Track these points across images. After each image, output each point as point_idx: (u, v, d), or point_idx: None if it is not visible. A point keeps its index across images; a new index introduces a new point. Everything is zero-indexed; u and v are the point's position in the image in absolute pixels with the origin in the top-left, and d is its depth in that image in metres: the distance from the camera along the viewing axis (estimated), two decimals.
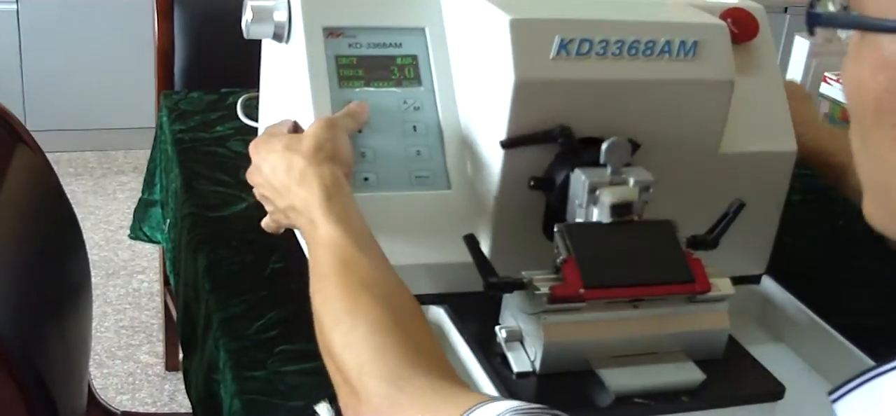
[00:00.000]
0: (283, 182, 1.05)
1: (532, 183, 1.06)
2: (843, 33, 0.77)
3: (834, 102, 1.83)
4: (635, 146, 1.06)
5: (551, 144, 1.05)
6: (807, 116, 1.32)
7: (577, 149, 1.05)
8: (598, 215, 1.01)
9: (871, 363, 1.07)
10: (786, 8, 4.28)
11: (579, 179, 1.03)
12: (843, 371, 1.10)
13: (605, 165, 1.02)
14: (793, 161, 1.20)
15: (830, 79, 1.83)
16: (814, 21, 0.75)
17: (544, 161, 1.07)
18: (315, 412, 1.04)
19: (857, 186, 1.05)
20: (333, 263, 0.94)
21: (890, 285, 1.33)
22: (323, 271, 0.95)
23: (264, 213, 1.38)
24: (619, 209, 1.01)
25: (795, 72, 1.92)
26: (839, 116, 1.82)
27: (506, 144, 1.05)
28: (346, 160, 1.05)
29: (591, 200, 1.01)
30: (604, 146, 1.02)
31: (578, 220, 1.02)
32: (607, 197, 1.00)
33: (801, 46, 1.93)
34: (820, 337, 1.15)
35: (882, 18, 0.68)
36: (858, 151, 0.76)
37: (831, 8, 0.79)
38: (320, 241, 0.97)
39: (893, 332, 1.26)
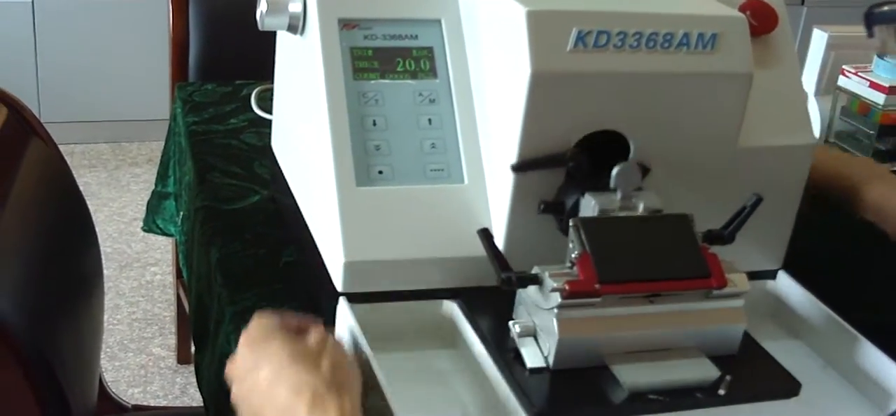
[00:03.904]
0: (285, 401, 0.88)
1: (542, 207, 1.06)
2: None
3: (852, 95, 1.81)
4: (645, 171, 1.06)
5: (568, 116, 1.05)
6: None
7: (588, 173, 1.04)
8: None
9: (888, 359, 1.07)
10: (803, 0, 4.27)
11: (589, 204, 1.03)
12: (860, 368, 1.10)
13: (615, 190, 1.02)
14: (811, 155, 1.18)
15: (848, 72, 1.81)
16: (874, 20, 0.75)
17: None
18: None
19: (872, 203, 1.05)
20: None
21: None
22: None
23: (279, 205, 1.38)
24: None
25: (813, 65, 1.91)
26: (857, 109, 1.81)
27: (516, 168, 1.04)
28: (357, 390, 0.91)
29: None
30: (614, 171, 1.02)
31: None
32: None
33: (818, 39, 1.92)
34: (836, 334, 1.13)
35: None
36: None
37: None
38: None
39: None
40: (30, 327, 1.21)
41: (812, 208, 1.26)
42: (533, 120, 1.03)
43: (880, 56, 1.71)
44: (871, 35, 0.79)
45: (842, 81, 1.83)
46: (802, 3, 4.28)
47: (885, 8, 0.80)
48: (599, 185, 1.03)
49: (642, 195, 1.03)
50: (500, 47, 1.07)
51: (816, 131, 1.87)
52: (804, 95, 1.21)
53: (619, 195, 1.03)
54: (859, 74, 1.79)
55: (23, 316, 1.20)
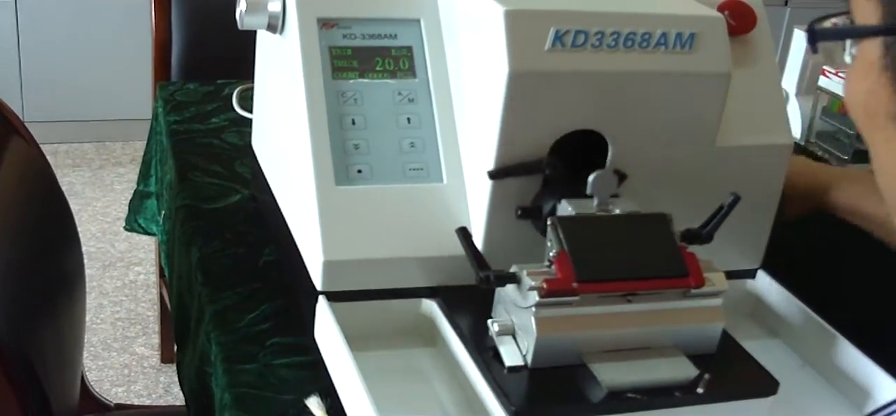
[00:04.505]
0: None
1: (520, 213, 1.06)
2: (853, 49, 0.78)
3: (832, 95, 1.82)
4: (622, 177, 1.06)
5: (545, 134, 1.05)
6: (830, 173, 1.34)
7: (564, 179, 1.05)
8: None
9: (866, 358, 1.07)
10: (786, 1, 4.28)
11: (566, 211, 1.03)
12: (837, 367, 1.11)
13: (591, 196, 1.03)
14: (789, 154, 1.19)
15: (828, 72, 1.82)
16: (816, 37, 0.77)
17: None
18: (306, 407, 1.04)
19: (844, 205, 1.06)
20: None
21: (885, 280, 1.33)
22: None
23: (259, 205, 1.38)
24: None
25: (794, 65, 1.92)
26: (838, 109, 1.82)
27: (493, 175, 1.05)
28: None
29: None
30: (590, 178, 1.03)
31: None
32: None
33: (800, 39, 1.93)
34: (815, 333, 1.14)
35: (863, 25, 0.71)
36: (874, 167, 0.78)
37: (835, 22, 0.81)
38: None
39: (888, 327, 1.25)
40: (10, 327, 1.20)
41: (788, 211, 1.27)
42: (511, 119, 1.03)
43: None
44: (815, 51, 0.80)
45: (822, 82, 1.84)
46: (785, 3, 4.30)
47: (827, 24, 0.81)
48: (576, 191, 1.04)
49: (618, 202, 1.04)
50: (479, 47, 1.07)
51: (797, 131, 1.88)
52: (782, 95, 1.21)
53: (595, 202, 1.03)
54: (839, 74, 1.79)
55: (3, 316, 1.20)
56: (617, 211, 1.03)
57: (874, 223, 1.26)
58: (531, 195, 1.07)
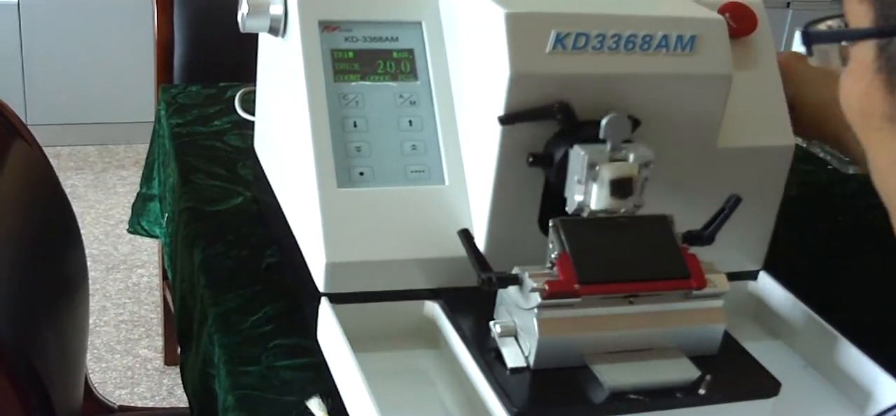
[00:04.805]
0: None
1: (531, 159, 1.05)
2: (834, 59, 0.79)
3: None
4: (635, 123, 1.05)
5: (549, 132, 1.04)
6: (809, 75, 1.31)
7: (577, 125, 1.03)
8: (597, 190, 1.00)
9: (868, 359, 1.07)
10: (788, 3, 4.28)
11: (578, 155, 1.01)
12: (839, 368, 1.11)
13: (604, 141, 1.01)
14: (791, 156, 1.19)
15: None
16: (811, 40, 0.78)
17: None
18: (307, 408, 1.04)
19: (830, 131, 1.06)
20: None
21: (887, 281, 1.33)
22: None
23: (262, 207, 1.39)
24: (619, 185, 1.00)
25: None
26: None
27: (504, 120, 1.03)
28: None
29: (591, 177, 1.00)
30: (603, 122, 1.00)
31: (578, 197, 1.01)
32: (607, 173, 0.99)
33: (800, 41, 1.93)
34: (817, 334, 1.14)
35: (858, 28, 0.72)
36: (870, 167, 0.79)
37: (830, 25, 0.82)
38: None
39: (890, 328, 1.26)
40: (13, 329, 1.21)
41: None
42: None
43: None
44: (810, 54, 0.80)
45: None
46: (787, 5, 4.30)
47: (822, 26, 0.81)
48: (589, 136, 1.02)
49: (632, 147, 1.02)
50: (480, 49, 1.07)
51: None
52: (783, 97, 1.21)
53: (608, 147, 1.01)
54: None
55: (6, 318, 1.20)
56: (631, 155, 1.01)
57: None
58: (536, 186, 1.06)
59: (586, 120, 1.03)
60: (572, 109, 1.03)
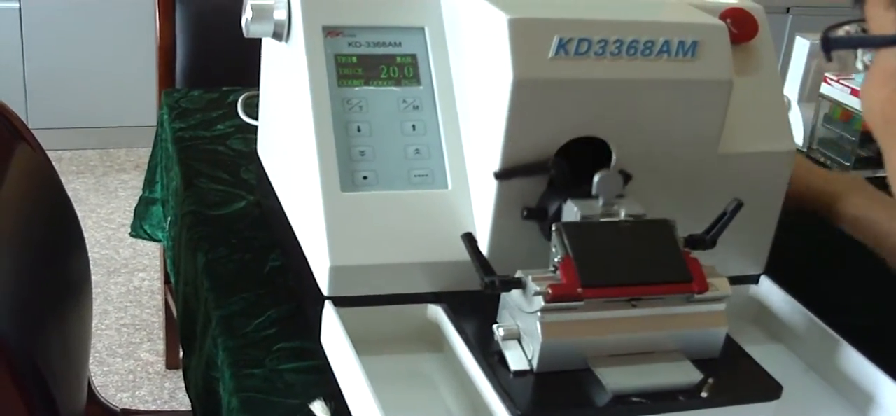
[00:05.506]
0: None
1: (525, 214, 1.07)
2: (866, 56, 0.79)
3: (834, 102, 1.83)
4: (627, 178, 1.07)
5: (552, 131, 1.06)
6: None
7: (570, 180, 1.05)
8: None
9: (869, 363, 1.08)
10: (788, 8, 4.29)
11: (571, 211, 1.04)
12: (841, 372, 1.11)
13: (597, 197, 1.03)
14: (792, 161, 1.20)
15: (830, 79, 1.82)
16: (831, 46, 0.78)
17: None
18: (311, 411, 1.04)
19: (850, 217, 1.06)
20: None
21: (888, 284, 1.33)
22: None
23: (265, 211, 1.39)
24: None
25: (796, 72, 1.93)
26: (839, 116, 1.82)
27: (499, 176, 1.05)
28: None
29: None
30: (596, 178, 1.03)
31: None
32: None
33: (801, 47, 1.93)
34: (818, 337, 1.15)
35: (882, 35, 0.71)
36: (889, 171, 0.79)
37: (848, 30, 0.82)
38: None
39: (891, 332, 1.26)
40: (18, 333, 1.21)
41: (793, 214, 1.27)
42: (515, 126, 1.04)
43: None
44: (829, 59, 0.80)
45: (824, 89, 1.85)
46: (787, 11, 4.30)
47: (841, 33, 0.81)
48: (582, 192, 1.04)
49: (624, 202, 1.04)
50: (483, 54, 1.08)
51: (799, 138, 1.89)
52: (784, 102, 1.22)
53: (600, 202, 1.04)
54: (841, 81, 1.80)
55: (11, 322, 1.20)
56: (622, 212, 1.04)
57: (878, 236, 1.26)
58: (536, 198, 1.07)
59: (581, 168, 1.05)
60: (566, 165, 1.05)
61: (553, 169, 1.05)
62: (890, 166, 0.78)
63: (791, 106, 1.90)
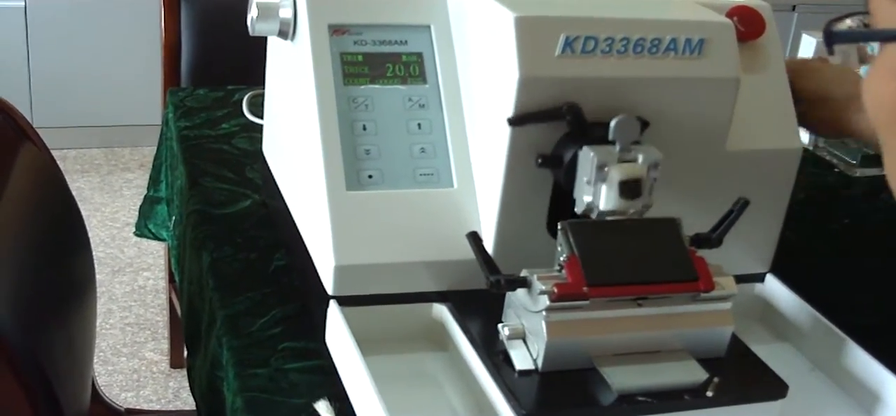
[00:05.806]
0: None
1: (540, 161, 1.05)
2: (869, 49, 0.78)
3: None
4: (644, 124, 1.05)
5: (557, 134, 1.05)
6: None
7: (586, 127, 1.04)
8: (606, 191, 1.00)
9: (876, 362, 1.08)
10: (794, 6, 4.28)
11: (588, 157, 1.01)
12: (847, 371, 1.11)
13: (613, 143, 1.01)
14: (798, 159, 1.19)
15: None
16: (834, 39, 0.77)
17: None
18: (315, 411, 1.04)
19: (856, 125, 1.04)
20: None
21: (894, 283, 1.33)
22: None
23: (270, 210, 1.39)
24: (628, 186, 1.00)
25: None
26: None
27: (513, 122, 1.04)
28: None
29: (600, 178, 1.00)
30: (612, 123, 1.00)
31: (587, 198, 1.01)
32: (616, 174, 0.99)
33: (808, 44, 1.93)
34: (824, 336, 1.14)
35: (890, 29, 0.70)
36: (889, 169, 0.77)
37: (849, 24, 0.81)
38: None
39: None
40: (22, 332, 1.21)
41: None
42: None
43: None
44: (831, 53, 0.79)
45: None
46: (793, 8, 4.30)
47: (844, 27, 0.81)
48: (597, 137, 1.02)
49: (641, 148, 1.02)
50: (489, 52, 1.08)
51: (805, 136, 1.88)
52: (791, 100, 1.22)
53: (617, 148, 1.01)
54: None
55: (15, 321, 1.20)
56: (640, 156, 1.01)
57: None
58: (545, 189, 1.07)
59: (595, 121, 1.03)
60: (581, 111, 1.03)
61: (568, 115, 1.04)
62: (887, 156, 0.77)
63: None
